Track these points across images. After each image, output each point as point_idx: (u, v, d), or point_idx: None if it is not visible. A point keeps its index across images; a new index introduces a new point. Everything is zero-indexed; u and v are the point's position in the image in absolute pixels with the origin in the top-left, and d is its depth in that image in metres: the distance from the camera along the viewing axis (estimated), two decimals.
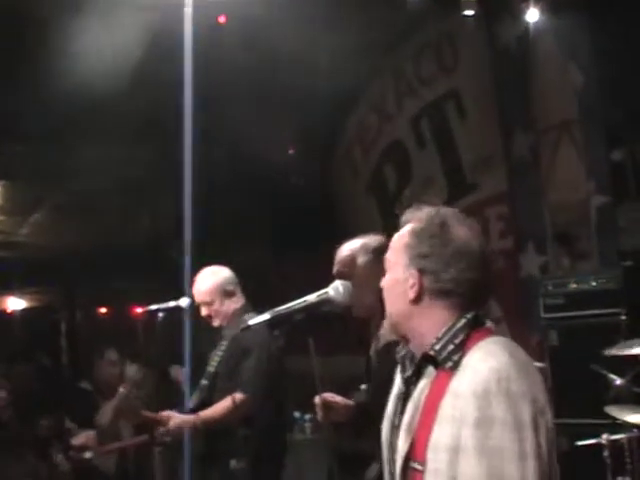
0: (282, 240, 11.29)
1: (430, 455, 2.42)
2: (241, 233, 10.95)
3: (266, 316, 3.82)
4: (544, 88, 8.77)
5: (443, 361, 2.49)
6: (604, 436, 5.38)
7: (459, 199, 9.71)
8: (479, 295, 2.58)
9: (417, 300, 2.57)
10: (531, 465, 2.31)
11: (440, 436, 2.41)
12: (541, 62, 8.81)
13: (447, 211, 2.65)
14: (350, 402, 4.27)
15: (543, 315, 7.42)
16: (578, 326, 7.05)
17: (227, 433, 5.31)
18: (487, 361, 2.42)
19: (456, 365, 2.47)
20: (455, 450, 2.37)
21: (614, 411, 5.01)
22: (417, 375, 2.61)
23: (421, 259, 2.57)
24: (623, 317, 6.81)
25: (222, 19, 8.27)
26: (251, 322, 3.92)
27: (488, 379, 2.37)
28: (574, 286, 7.28)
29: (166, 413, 5.37)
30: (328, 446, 5.02)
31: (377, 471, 3.62)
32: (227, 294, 5.63)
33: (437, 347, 2.52)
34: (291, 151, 11.46)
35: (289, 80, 9.26)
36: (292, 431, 8.68)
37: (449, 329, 2.53)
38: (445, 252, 2.54)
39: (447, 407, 2.42)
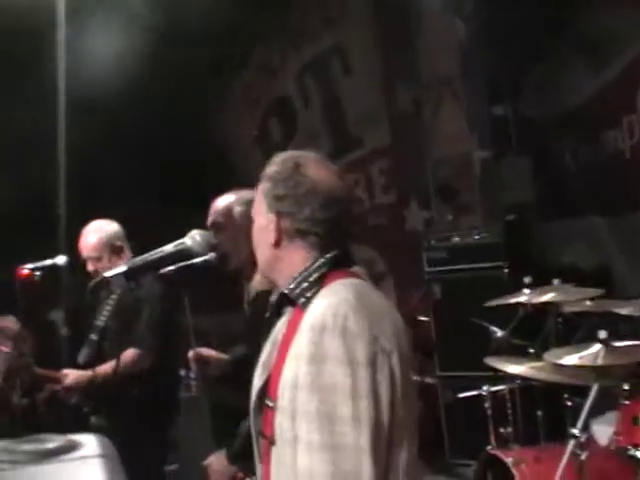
0: (170, 193, 11.12)
1: (279, 392, 2.43)
2: (128, 187, 10.72)
3: (123, 267, 3.76)
4: (428, 42, 8.77)
5: (297, 298, 2.50)
6: (485, 387, 5.43)
7: (344, 154, 9.72)
8: (337, 235, 2.57)
9: (278, 243, 2.57)
10: (364, 405, 2.29)
11: (286, 373, 2.42)
12: (426, 16, 8.79)
13: (302, 153, 2.65)
14: (224, 356, 4.28)
15: (426, 269, 7.49)
16: (461, 280, 7.14)
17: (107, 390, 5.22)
18: (327, 298, 2.43)
19: (308, 302, 2.47)
20: (294, 386, 2.37)
21: (494, 362, 5.04)
22: (278, 316, 2.63)
23: (277, 202, 2.56)
24: (505, 270, 6.91)
25: None
26: (107, 274, 3.86)
27: (325, 315, 2.36)
28: (457, 240, 7.36)
29: (64, 371, 5.26)
30: (206, 401, 5.01)
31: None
32: (115, 250, 5.46)
33: (291, 286, 2.53)
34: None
35: (176, 35, 9.08)
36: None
37: (305, 269, 2.53)
38: (299, 193, 2.54)
39: (294, 344, 2.42)
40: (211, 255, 3.97)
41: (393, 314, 2.51)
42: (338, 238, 2.57)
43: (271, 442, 2.46)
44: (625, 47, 7.47)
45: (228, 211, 4.06)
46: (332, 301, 2.41)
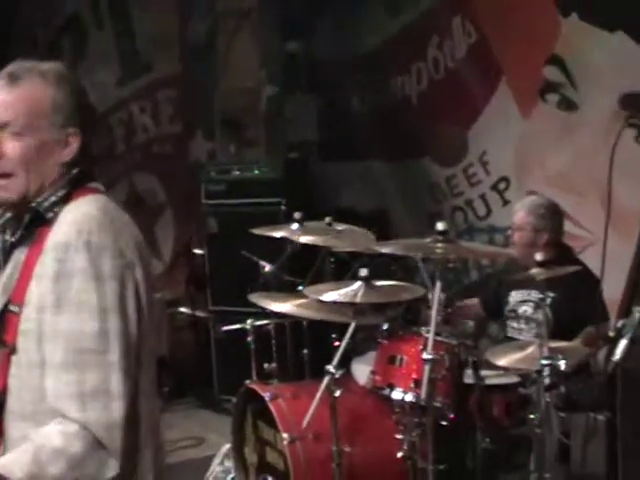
0: None
1: (24, 313, 2.30)
2: None
3: None
4: None
5: (45, 212, 2.36)
6: (249, 321, 5.37)
7: (133, 79, 9.53)
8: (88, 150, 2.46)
9: (73, 160, 2.39)
10: (113, 319, 2.23)
11: (31, 293, 2.29)
12: None
13: (48, 63, 2.43)
14: None
15: (204, 201, 7.39)
16: (238, 214, 7.06)
17: None
18: (71, 214, 2.33)
19: (55, 217, 2.35)
20: (40, 307, 2.26)
21: (258, 299, 5.00)
22: (24, 237, 2.44)
23: (76, 114, 2.38)
24: (283, 207, 6.88)
25: None
26: None
27: (69, 231, 2.27)
28: (237, 173, 7.28)
29: None
30: None
31: None
32: None
33: (39, 200, 2.38)
34: None
35: None
36: None
37: (54, 183, 2.39)
38: (85, 104, 2.43)
39: (39, 264, 2.30)
40: None
41: (134, 228, 2.43)
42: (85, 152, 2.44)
43: (12, 351, 2.31)
44: None
45: None
46: (76, 217, 2.30)
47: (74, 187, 2.39)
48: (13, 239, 2.44)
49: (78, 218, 2.29)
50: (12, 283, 2.38)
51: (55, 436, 2.19)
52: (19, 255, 2.41)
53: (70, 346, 2.20)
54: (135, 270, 2.31)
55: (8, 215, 2.47)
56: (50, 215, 2.35)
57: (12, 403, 2.33)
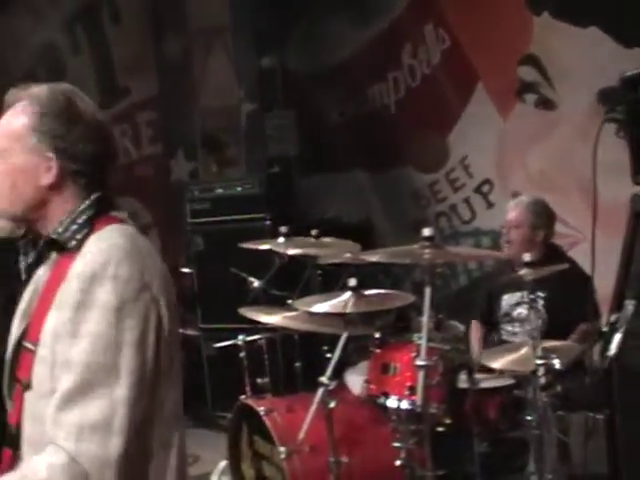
0: None
1: (41, 341, 2.24)
2: None
3: None
4: None
5: (67, 241, 2.32)
6: (240, 337, 5.37)
7: (112, 104, 9.48)
8: (104, 174, 2.41)
9: (55, 185, 2.33)
10: (127, 354, 2.17)
11: (50, 322, 2.24)
12: None
13: (67, 86, 2.42)
14: None
15: (189, 220, 7.40)
16: (223, 231, 7.08)
17: None
18: (98, 244, 2.28)
19: (79, 246, 2.30)
20: (57, 335, 2.20)
21: (248, 312, 5.00)
22: (39, 262, 2.44)
23: (54, 139, 2.32)
24: (267, 222, 6.91)
25: None
26: None
27: (95, 262, 2.21)
28: (220, 191, 7.29)
29: None
30: None
31: None
32: None
33: (60, 230, 2.34)
34: None
35: None
36: None
37: (73, 211, 2.35)
38: (76, 129, 2.33)
39: (61, 292, 2.25)
40: None
41: (159, 260, 2.38)
42: (105, 178, 2.41)
43: (25, 387, 2.27)
44: (392, 3, 7.53)
45: None
46: (102, 247, 2.25)
47: (96, 216, 2.35)
48: (28, 262, 2.44)
49: (104, 249, 2.25)
50: (30, 310, 2.37)
51: (41, 468, 2.12)
52: (37, 281, 2.41)
53: (79, 377, 2.14)
54: (159, 304, 2.26)
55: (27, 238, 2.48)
56: (72, 244, 2.32)
57: (28, 435, 2.29)
